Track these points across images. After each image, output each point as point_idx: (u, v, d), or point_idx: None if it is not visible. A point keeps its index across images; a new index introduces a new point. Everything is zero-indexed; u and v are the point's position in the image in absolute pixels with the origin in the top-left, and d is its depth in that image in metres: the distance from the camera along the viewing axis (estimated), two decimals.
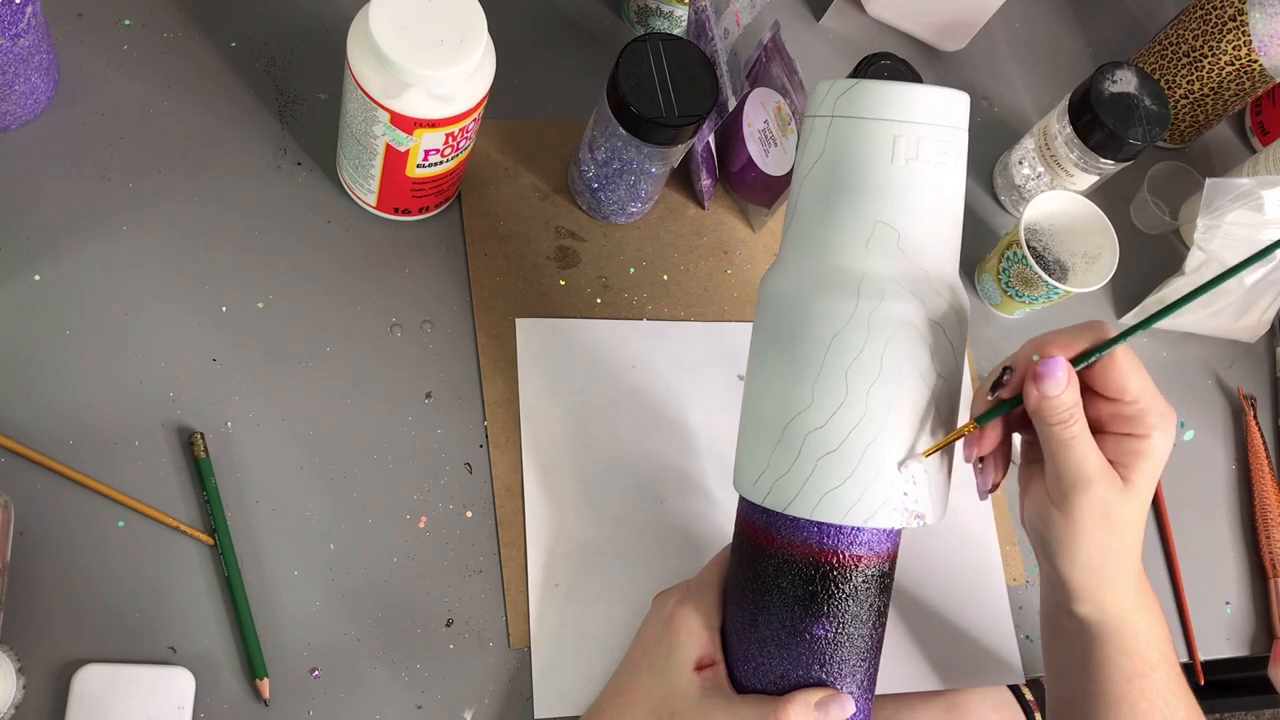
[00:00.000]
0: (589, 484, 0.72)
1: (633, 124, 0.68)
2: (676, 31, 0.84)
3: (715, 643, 0.59)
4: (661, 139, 0.69)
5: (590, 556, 0.70)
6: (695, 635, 0.59)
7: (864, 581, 0.56)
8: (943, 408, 0.55)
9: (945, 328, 0.55)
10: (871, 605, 0.57)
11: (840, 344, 0.54)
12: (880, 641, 0.58)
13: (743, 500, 0.60)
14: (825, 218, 0.55)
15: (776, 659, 0.57)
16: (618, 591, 0.70)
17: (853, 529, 0.56)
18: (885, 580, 0.58)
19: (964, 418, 0.56)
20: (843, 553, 0.56)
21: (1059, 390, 0.51)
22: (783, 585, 0.57)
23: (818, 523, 0.56)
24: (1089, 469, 0.52)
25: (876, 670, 0.58)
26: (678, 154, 0.72)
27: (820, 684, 0.56)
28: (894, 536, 0.58)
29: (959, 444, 0.56)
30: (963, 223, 0.57)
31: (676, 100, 0.67)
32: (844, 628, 0.56)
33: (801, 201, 0.57)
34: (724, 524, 0.72)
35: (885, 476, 0.54)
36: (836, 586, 0.56)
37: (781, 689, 0.56)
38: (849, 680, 0.56)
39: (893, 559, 0.58)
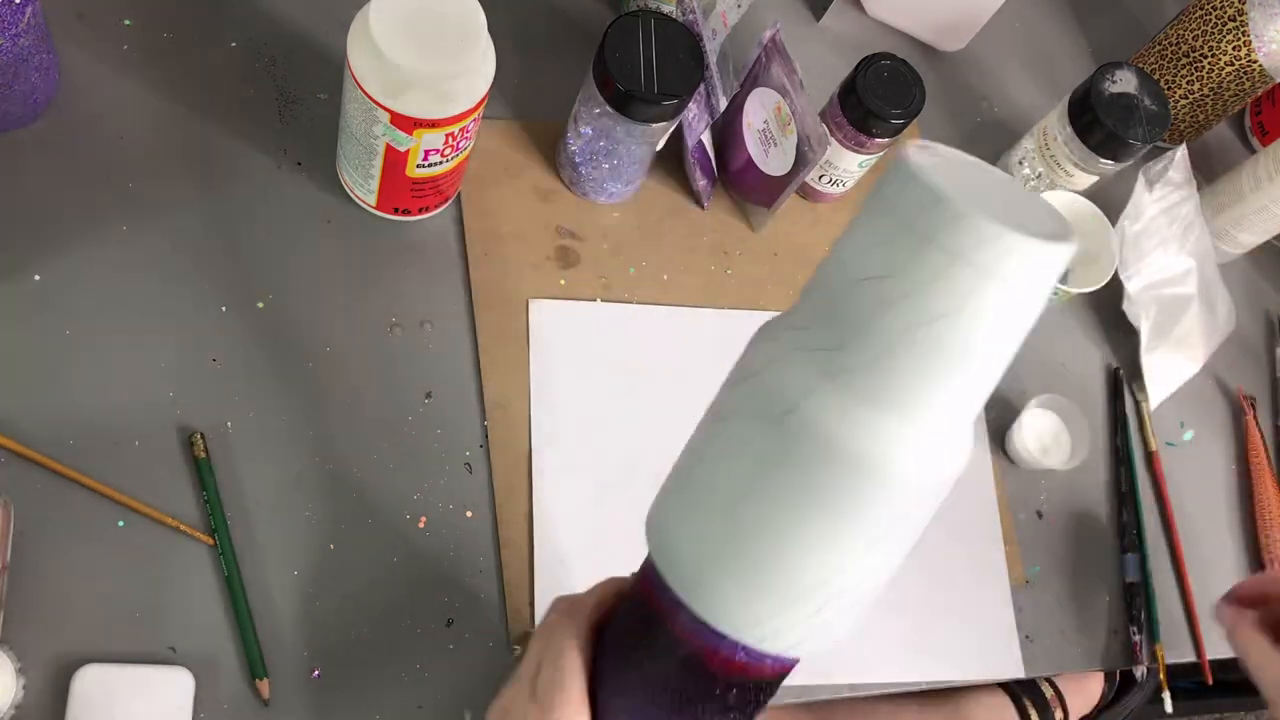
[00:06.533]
0: (596, 464, 0.72)
1: (615, 97, 0.68)
2: None
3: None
4: (642, 115, 0.68)
5: (595, 535, 0.70)
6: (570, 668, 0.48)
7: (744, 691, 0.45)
8: None
9: None
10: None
11: None
12: None
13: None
14: None
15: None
16: (623, 570, 0.70)
17: None
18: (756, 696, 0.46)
19: None
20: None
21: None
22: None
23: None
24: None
25: None
26: (659, 134, 0.72)
27: None
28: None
29: None
30: None
31: (660, 77, 0.67)
32: None
33: None
34: None
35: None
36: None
37: None
38: None
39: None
